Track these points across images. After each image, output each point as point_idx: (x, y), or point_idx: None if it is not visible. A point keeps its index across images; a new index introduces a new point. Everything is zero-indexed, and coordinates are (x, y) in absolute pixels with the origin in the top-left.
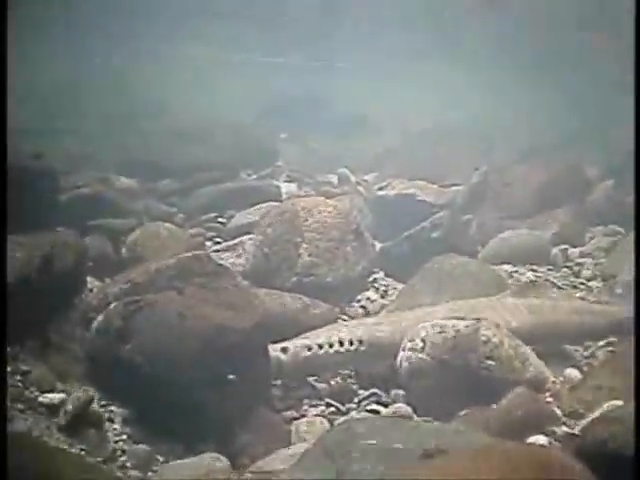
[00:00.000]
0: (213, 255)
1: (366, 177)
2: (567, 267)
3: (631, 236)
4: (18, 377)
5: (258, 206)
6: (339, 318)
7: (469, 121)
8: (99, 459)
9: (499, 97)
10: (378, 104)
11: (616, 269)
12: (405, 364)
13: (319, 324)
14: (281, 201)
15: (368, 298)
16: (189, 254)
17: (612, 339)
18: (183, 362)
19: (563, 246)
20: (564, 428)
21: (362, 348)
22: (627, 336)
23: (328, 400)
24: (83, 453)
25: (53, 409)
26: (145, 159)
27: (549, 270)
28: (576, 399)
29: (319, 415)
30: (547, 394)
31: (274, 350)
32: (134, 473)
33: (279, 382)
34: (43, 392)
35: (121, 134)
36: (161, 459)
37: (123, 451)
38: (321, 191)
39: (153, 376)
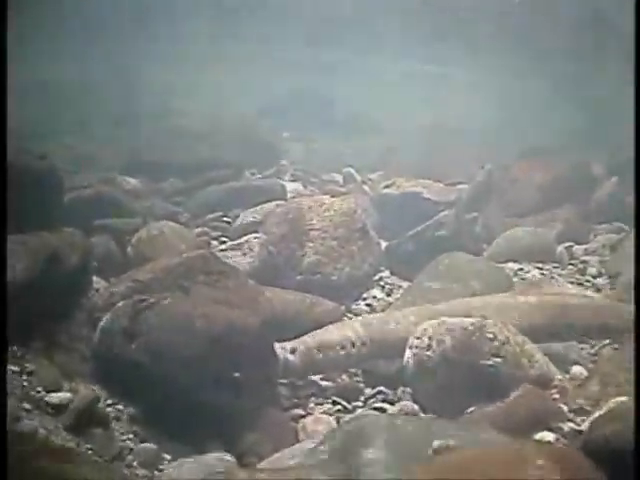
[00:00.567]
0: (219, 254)
1: (371, 176)
2: (572, 264)
3: None
4: (24, 377)
5: (263, 205)
6: (345, 316)
7: (474, 120)
8: (106, 458)
9: (504, 95)
10: (383, 103)
11: (621, 266)
12: (411, 362)
13: (325, 322)
14: (286, 200)
15: (374, 296)
16: (195, 253)
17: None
18: (190, 361)
19: (568, 244)
20: (570, 424)
21: (371, 347)
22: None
23: (335, 398)
24: (90, 452)
25: (59, 408)
26: (150, 159)
27: (554, 267)
28: (582, 396)
29: (326, 413)
30: (553, 391)
31: (282, 350)
32: (141, 472)
33: (286, 381)
34: (49, 392)
35: (126, 134)
36: (168, 458)
37: (130, 450)
38: (326, 190)
39: (160, 375)
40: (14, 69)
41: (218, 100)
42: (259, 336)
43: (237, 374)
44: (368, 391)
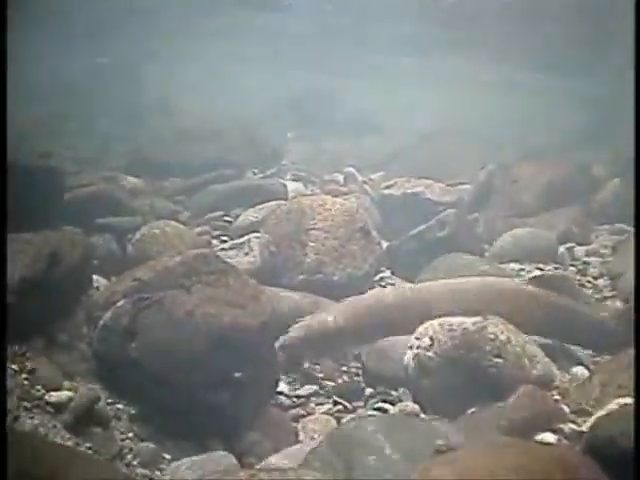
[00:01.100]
0: (220, 254)
1: (372, 176)
2: (574, 265)
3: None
4: (24, 375)
5: (264, 205)
6: None
7: (476, 120)
8: (106, 457)
9: (506, 97)
10: (384, 104)
11: (623, 267)
12: (412, 362)
13: None
14: (287, 200)
15: None
16: (196, 252)
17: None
18: (190, 360)
19: (570, 244)
20: (572, 425)
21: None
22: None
23: (335, 398)
24: (90, 452)
25: (60, 407)
26: (151, 158)
27: (556, 268)
28: (584, 397)
29: (326, 413)
30: (555, 392)
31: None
32: (141, 471)
33: (287, 379)
34: (49, 390)
35: (128, 133)
36: (168, 457)
37: (130, 449)
38: (327, 190)
39: (160, 374)
40: (17, 70)
41: (220, 100)
42: (260, 336)
43: (238, 374)
44: (369, 391)
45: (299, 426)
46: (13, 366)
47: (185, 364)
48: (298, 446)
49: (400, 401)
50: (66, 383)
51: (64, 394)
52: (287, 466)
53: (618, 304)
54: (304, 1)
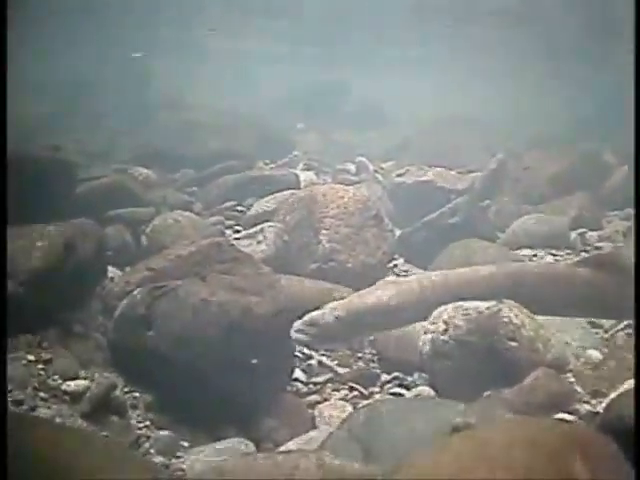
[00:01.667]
0: (233, 243)
1: (384, 165)
2: (586, 251)
3: None
4: (41, 365)
5: (277, 194)
6: None
7: (486, 109)
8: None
9: (516, 84)
10: (395, 93)
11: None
12: (427, 347)
13: None
14: (299, 189)
15: None
16: (210, 240)
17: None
18: (206, 348)
19: (581, 230)
20: (587, 407)
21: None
22: None
23: (351, 384)
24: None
25: (76, 397)
26: (163, 149)
27: (568, 254)
28: (598, 378)
29: (342, 399)
30: (569, 374)
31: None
32: (158, 459)
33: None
34: (66, 380)
35: (139, 125)
36: (185, 445)
37: (147, 437)
38: (339, 179)
39: (176, 362)
40: (26, 67)
41: (231, 93)
42: (275, 323)
43: (254, 361)
44: (384, 377)
45: (315, 412)
46: (29, 356)
47: (201, 352)
48: (314, 432)
49: (416, 386)
50: (82, 372)
51: (81, 383)
52: (306, 450)
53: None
54: None
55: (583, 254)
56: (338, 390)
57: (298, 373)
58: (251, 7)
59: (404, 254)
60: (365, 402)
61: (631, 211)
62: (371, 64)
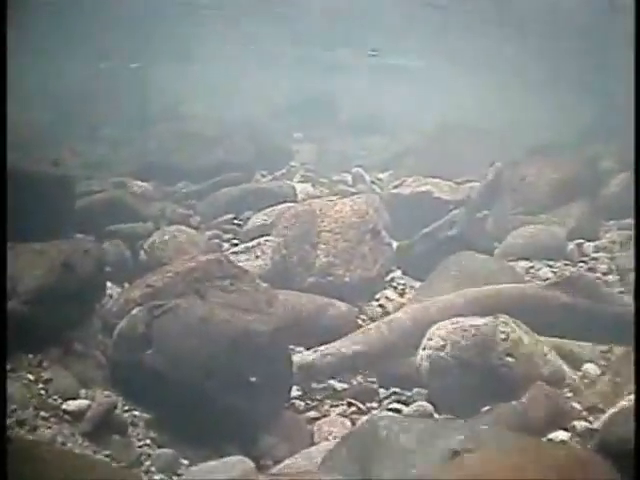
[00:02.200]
0: (231, 257)
1: (381, 175)
2: (583, 261)
3: None
4: (41, 385)
5: (274, 207)
6: (358, 318)
7: (483, 119)
8: (124, 464)
9: (512, 94)
10: (391, 104)
11: (631, 263)
12: (425, 363)
13: (338, 324)
14: (297, 202)
15: (387, 297)
16: (208, 257)
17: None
18: (206, 366)
19: (579, 241)
20: (584, 423)
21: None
22: None
23: (350, 400)
24: (108, 459)
25: (77, 416)
26: (160, 162)
27: (565, 265)
28: (595, 394)
29: (341, 415)
30: (566, 389)
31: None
32: (159, 477)
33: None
34: (66, 399)
35: (136, 138)
36: (186, 462)
37: (148, 455)
38: (336, 190)
39: (176, 380)
40: (24, 77)
41: (228, 103)
42: (274, 340)
43: (253, 378)
44: (383, 392)
45: (314, 428)
46: (29, 376)
47: (200, 370)
48: (314, 448)
49: (414, 401)
50: (83, 391)
51: (81, 402)
52: (304, 468)
53: (627, 299)
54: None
55: (580, 264)
56: (337, 406)
57: (296, 390)
58: (247, 18)
59: (402, 267)
60: (364, 418)
61: (629, 221)
62: (367, 72)
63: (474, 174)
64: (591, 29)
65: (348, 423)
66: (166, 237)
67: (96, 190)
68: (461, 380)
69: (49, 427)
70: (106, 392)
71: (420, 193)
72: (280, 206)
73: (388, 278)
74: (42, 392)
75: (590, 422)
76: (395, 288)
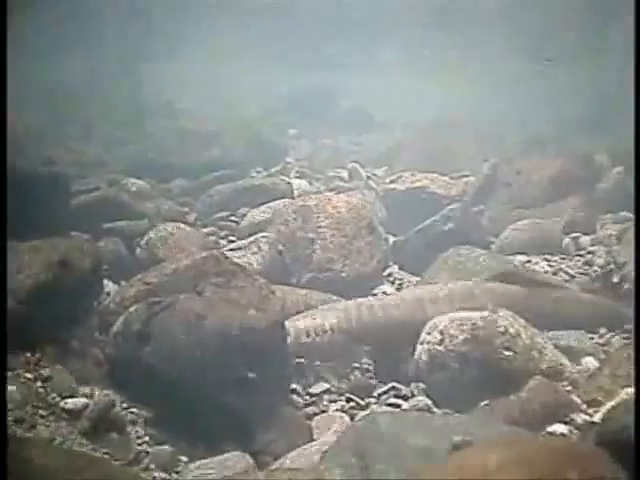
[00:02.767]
0: (228, 254)
1: (376, 171)
2: (580, 255)
3: None
4: (39, 383)
5: (270, 204)
6: None
7: (478, 113)
8: (123, 462)
9: (507, 89)
10: (386, 98)
11: (628, 256)
12: (424, 357)
13: None
14: (293, 198)
15: (384, 292)
16: (205, 254)
17: (628, 326)
18: (203, 362)
19: (575, 234)
20: (583, 416)
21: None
22: None
23: (348, 395)
24: (107, 457)
25: (76, 414)
26: (156, 160)
27: (562, 259)
28: (594, 387)
29: (340, 410)
30: (565, 383)
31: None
32: (158, 474)
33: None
34: (65, 397)
35: (131, 136)
36: (185, 459)
37: (147, 453)
38: (332, 186)
39: (174, 377)
40: (18, 75)
41: (223, 100)
42: (271, 336)
43: (251, 374)
44: (381, 387)
45: (313, 424)
46: (27, 374)
47: (198, 367)
48: (313, 444)
49: (413, 396)
50: (81, 389)
51: (80, 400)
52: (304, 465)
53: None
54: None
55: (577, 258)
56: (335, 401)
57: (295, 385)
58: (242, 16)
59: (399, 262)
60: (362, 413)
61: (626, 214)
62: (362, 67)
63: (469, 169)
64: (588, 26)
65: (347, 418)
66: (162, 234)
67: (91, 188)
68: (460, 374)
69: (47, 425)
70: (104, 390)
71: (416, 188)
72: (276, 202)
73: (385, 273)
74: (40, 390)
75: (590, 415)
76: (392, 283)
